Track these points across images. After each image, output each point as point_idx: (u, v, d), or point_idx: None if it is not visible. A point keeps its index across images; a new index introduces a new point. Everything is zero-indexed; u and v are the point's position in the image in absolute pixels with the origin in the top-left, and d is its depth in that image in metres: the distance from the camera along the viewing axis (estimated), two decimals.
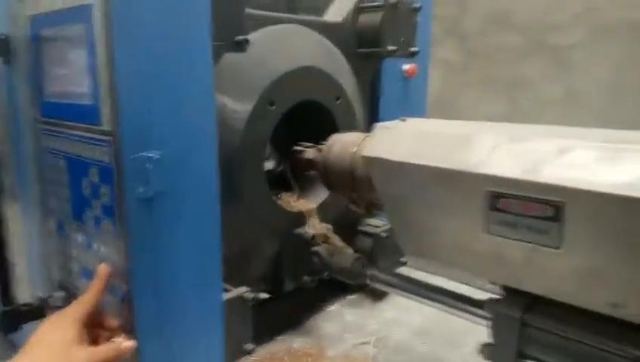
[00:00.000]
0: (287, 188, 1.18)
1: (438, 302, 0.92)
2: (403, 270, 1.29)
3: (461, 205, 0.64)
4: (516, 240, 0.59)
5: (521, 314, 0.64)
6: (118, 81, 0.61)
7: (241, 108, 0.94)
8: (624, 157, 0.51)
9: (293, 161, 1.06)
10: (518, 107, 2.06)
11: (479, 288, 1.27)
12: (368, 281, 1.03)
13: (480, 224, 0.61)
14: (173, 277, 0.69)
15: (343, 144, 0.91)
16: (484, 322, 0.84)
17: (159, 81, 0.64)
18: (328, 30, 1.15)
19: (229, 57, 0.95)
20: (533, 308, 0.65)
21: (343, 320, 1.19)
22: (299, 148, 1.03)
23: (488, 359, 0.70)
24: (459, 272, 1.03)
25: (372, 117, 1.34)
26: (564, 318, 0.62)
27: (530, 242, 0.58)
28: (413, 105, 1.46)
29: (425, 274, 1.33)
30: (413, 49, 1.26)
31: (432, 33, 1.47)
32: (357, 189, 0.88)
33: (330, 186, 0.96)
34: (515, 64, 2.06)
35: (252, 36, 0.92)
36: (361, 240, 1.28)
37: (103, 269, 0.65)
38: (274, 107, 0.99)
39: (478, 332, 1.10)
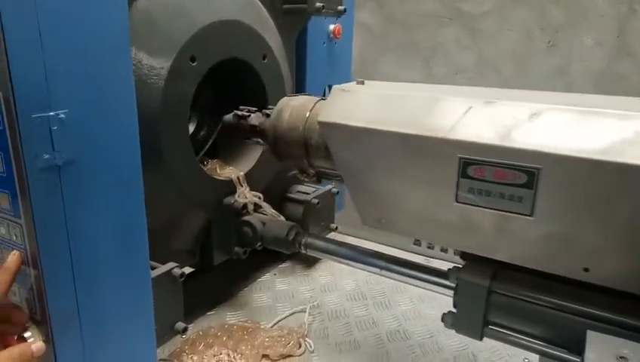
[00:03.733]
0: (210, 155, 1.10)
1: (374, 266, 0.91)
2: (334, 235, 1.29)
3: (429, 173, 0.60)
4: (488, 208, 0.57)
5: (489, 281, 0.63)
6: (5, 24, 0.48)
7: (158, 64, 0.84)
8: (597, 121, 0.50)
9: (229, 126, 0.96)
10: (434, 74, 2.11)
11: (409, 251, 1.32)
12: (302, 249, 0.99)
13: (449, 192, 0.59)
14: (91, 259, 0.59)
15: (294, 109, 0.83)
16: (415, 281, 0.86)
17: (58, 24, 0.53)
18: None
19: (143, 5, 0.83)
20: (499, 276, 0.64)
21: (275, 290, 1.16)
22: (239, 112, 0.93)
23: (452, 327, 0.68)
24: (388, 235, 1.03)
25: (297, 80, 1.29)
26: (530, 284, 0.62)
27: (502, 210, 0.56)
28: (339, 69, 1.42)
29: (356, 239, 1.34)
30: (340, 7, 1.22)
31: None
32: (310, 158, 0.82)
33: (278, 154, 0.87)
34: (431, 31, 2.10)
35: None
36: (291, 208, 1.24)
37: (12, 258, 0.55)
38: (195, 63, 0.89)
39: (408, 290, 1.14)
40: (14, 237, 0.56)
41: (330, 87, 1.43)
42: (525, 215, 0.55)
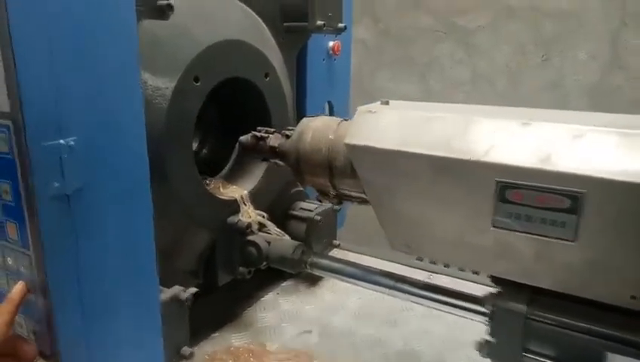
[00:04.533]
0: (211, 173, 1.09)
1: (380, 284, 0.90)
2: (337, 253, 1.28)
3: (464, 197, 0.58)
4: (527, 233, 0.54)
5: (527, 308, 0.61)
6: (16, 49, 0.48)
7: (163, 84, 0.83)
8: None
9: (246, 147, 0.94)
10: (430, 88, 2.13)
11: (416, 268, 1.30)
12: (308, 268, 0.98)
13: (485, 217, 0.56)
14: (101, 288, 0.58)
15: (317, 130, 0.81)
16: (423, 301, 0.84)
17: (69, 48, 0.52)
18: (252, 1, 1.06)
19: (147, 25, 0.83)
20: (537, 302, 0.62)
21: (279, 310, 1.14)
22: (257, 133, 0.92)
23: (489, 356, 0.65)
24: (392, 253, 1.02)
25: (297, 96, 1.29)
26: (569, 310, 0.59)
27: (543, 235, 0.54)
28: (338, 85, 1.43)
29: (359, 255, 1.33)
30: (340, 25, 1.22)
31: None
32: (334, 180, 0.80)
33: (300, 176, 0.84)
34: (426, 46, 2.11)
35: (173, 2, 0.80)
36: (294, 225, 1.22)
37: (16, 289, 0.53)
38: (199, 83, 0.88)
39: (414, 308, 1.13)
40: (22, 268, 0.54)
41: (330, 104, 1.45)
42: (568, 240, 0.52)
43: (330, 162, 0.80)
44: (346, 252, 1.33)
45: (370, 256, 1.37)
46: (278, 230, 1.04)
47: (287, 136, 0.88)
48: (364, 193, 0.77)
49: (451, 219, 0.62)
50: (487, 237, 0.58)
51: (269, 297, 1.20)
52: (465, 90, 2.08)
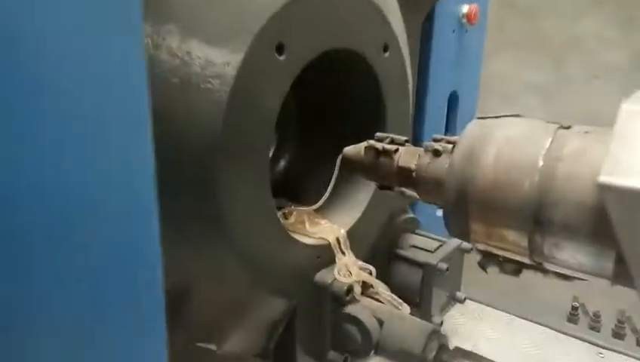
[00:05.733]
0: (289, 196, 0.72)
1: None
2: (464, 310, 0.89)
3: None
4: None
5: None
6: None
7: (221, 57, 0.47)
8: None
9: (357, 165, 0.56)
10: (567, 75, 1.64)
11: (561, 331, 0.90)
12: None
13: None
14: None
15: (509, 145, 0.45)
16: None
17: None
18: None
19: None
20: None
21: None
22: (377, 144, 0.53)
23: None
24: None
25: (417, 83, 0.89)
26: None
27: None
28: (468, 68, 1.01)
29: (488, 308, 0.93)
30: None
31: None
32: (538, 239, 0.43)
33: (461, 223, 0.48)
34: (565, 21, 1.62)
35: None
36: (402, 272, 0.85)
37: None
38: (284, 56, 0.52)
39: None
40: None
41: (454, 95, 1.03)
42: None
43: (538, 207, 0.40)
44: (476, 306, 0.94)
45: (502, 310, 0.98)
46: (391, 295, 0.66)
47: (437, 152, 0.49)
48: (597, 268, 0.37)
49: None
50: None
51: None
52: (618, 80, 1.57)
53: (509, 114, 0.47)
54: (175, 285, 0.53)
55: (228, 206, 0.49)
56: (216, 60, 0.47)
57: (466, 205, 0.45)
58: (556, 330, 0.98)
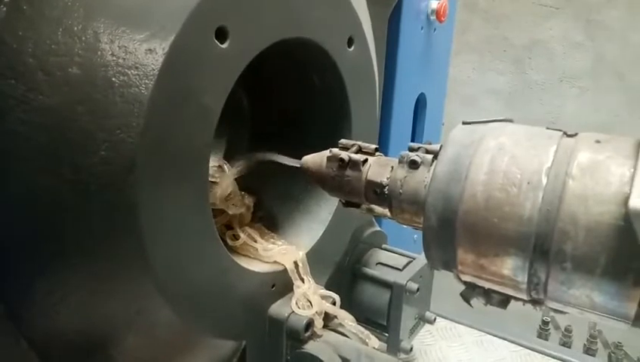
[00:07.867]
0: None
1: None
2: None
3: None
4: None
5: None
6: None
7: (143, 42, 0.36)
8: None
9: (318, 177, 0.47)
10: (529, 80, 1.62)
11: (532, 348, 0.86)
12: None
13: None
14: None
15: (503, 155, 0.37)
16: None
17: None
18: None
19: None
20: None
21: None
22: (342, 153, 0.43)
23: None
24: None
25: (385, 84, 0.81)
26: None
27: None
28: (436, 69, 0.94)
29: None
30: None
31: None
32: (542, 271, 0.36)
33: (447, 249, 0.40)
34: (528, 23, 1.61)
35: None
36: (368, 293, 0.77)
37: None
38: (227, 44, 0.41)
39: None
40: None
41: (421, 98, 0.96)
42: None
43: (543, 235, 0.32)
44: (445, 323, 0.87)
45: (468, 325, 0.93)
46: (360, 327, 0.57)
47: (414, 164, 0.40)
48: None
49: None
50: None
51: None
52: (579, 86, 1.56)
53: (499, 118, 0.39)
54: (90, 334, 0.42)
55: (150, 237, 0.38)
56: (135, 46, 0.36)
57: (452, 231, 0.37)
58: (528, 348, 0.93)
